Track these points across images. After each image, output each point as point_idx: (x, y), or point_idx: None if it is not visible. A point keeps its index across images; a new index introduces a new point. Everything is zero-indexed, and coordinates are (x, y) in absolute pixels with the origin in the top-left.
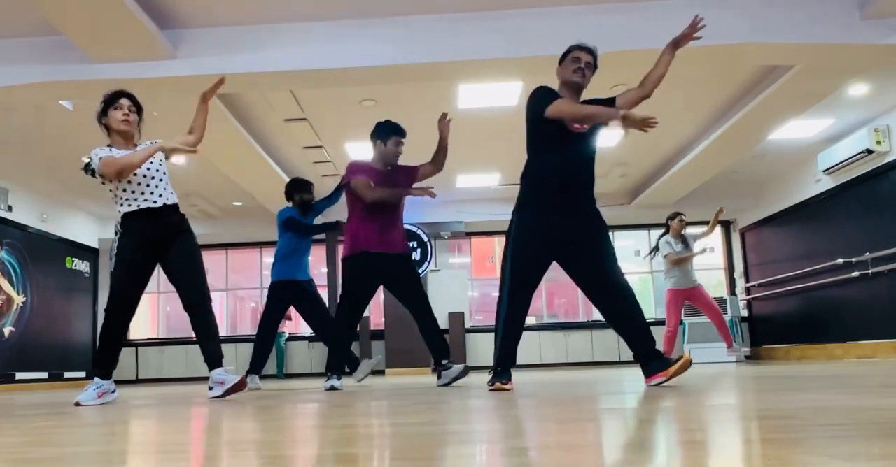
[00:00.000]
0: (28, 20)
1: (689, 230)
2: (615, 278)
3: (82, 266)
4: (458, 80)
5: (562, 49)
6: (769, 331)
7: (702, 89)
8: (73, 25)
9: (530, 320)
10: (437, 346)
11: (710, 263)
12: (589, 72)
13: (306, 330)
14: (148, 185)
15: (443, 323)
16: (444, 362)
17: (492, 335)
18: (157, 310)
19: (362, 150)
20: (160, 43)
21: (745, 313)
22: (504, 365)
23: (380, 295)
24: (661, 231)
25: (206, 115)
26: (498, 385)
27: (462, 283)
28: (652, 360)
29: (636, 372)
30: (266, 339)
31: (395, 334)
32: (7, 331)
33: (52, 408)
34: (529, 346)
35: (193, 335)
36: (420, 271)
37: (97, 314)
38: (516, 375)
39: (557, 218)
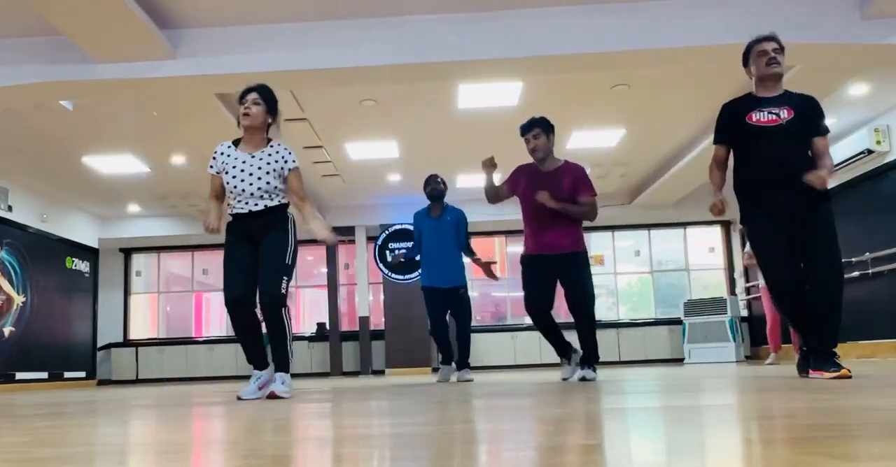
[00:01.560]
0: (28, 20)
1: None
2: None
3: (82, 266)
4: (458, 80)
5: (562, 49)
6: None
7: (702, 89)
8: (73, 25)
9: (530, 320)
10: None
11: (710, 263)
12: (781, 57)
13: (306, 330)
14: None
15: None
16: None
17: (491, 335)
18: (157, 310)
19: (362, 150)
20: (160, 43)
21: (745, 313)
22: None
23: (380, 294)
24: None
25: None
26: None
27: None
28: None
29: (636, 372)
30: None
31: (395, 334)
32: (7, 331)
33: (52, 408)
34: (529, 346)
35: (193, 335)
36: (419, 271)
37: (97, 314)
38: (516, 375)
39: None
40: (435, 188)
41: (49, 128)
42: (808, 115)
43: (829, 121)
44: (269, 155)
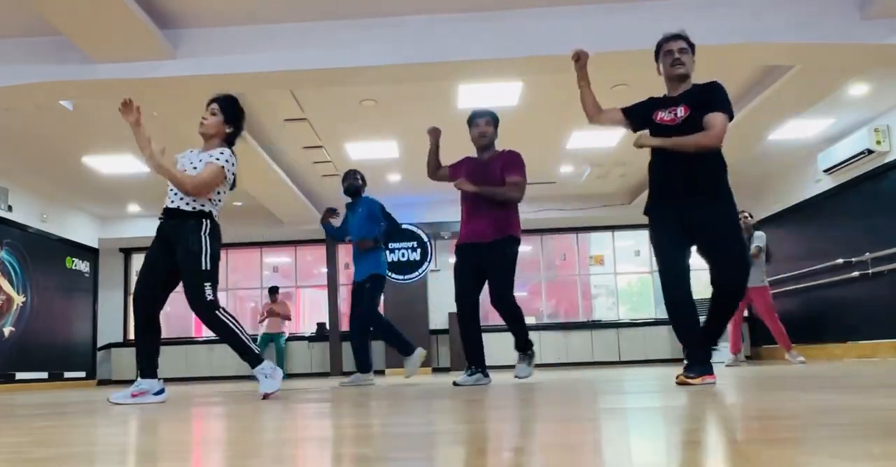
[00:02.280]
0: (28, 20)
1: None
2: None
3: (82, 266)
4: (458, 80)
5: (562, 49)
6: (769, 331)
7: None
8: (73, 25)
9: (530, 320)
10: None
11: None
12: (686, 57)
13: (307, 330)
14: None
15: (443, 323)
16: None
17: (491, 335)
18: None
19: (362, 150)
20: (160, 43)
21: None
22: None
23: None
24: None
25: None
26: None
27: None
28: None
29: (636, 372)
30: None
31: None
32: (7, 331)
33: (52, 408)
34: None
35: (193, 335)
36: (419, 271)
37: (97, 314)
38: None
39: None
40: (352, 183)
41: (49, 128)
42: (704, 101)
43: (828, 121)
44: (209, 155)
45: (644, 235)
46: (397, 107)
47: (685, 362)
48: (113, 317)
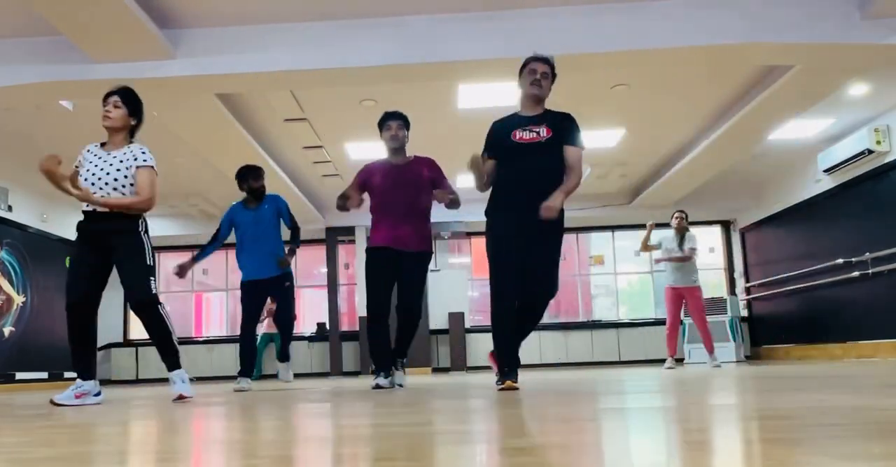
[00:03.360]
0: (28, 20)
1: (694, 231)
2: None
3: None
4: (458, 80)
5: (562, 49)
6: (769, 331)
7: (702, 89)
8: (73, 25)
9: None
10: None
11: (709, 263)
12: (546, 81)
13: (306, 330)
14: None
15: (443, 323)
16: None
17: (489, 335)
18: None
19: (362, 150)
20: (160, 43)
21: (745, 313)
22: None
23: None
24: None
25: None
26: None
27: (462, 283)
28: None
29: (636, 372)
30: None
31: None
32: (7, 331)
33: (52, 408)
34: (529, 346)
35: (193, 335)
36: None
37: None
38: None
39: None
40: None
41: (49, 129)
42: (562, 129)
43: (828, 121)
44: (124, 154)
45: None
46: (397, 107)
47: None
48: (113, 317)
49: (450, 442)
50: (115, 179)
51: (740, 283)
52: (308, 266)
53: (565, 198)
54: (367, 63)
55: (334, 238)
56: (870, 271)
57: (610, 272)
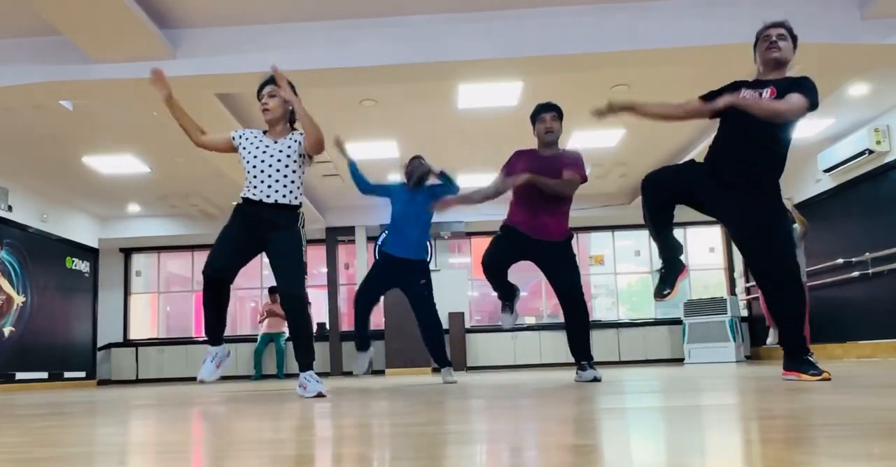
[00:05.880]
0: (28, 20)
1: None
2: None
3: (82, 266)
4: (458, 80)
5: (562, 49)
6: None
7: (702, 89)
8: (73, 25)
9: (530, 320)
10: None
11: (710, 263)
12: (784, 43)
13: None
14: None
15: (443, 323)
16: (582, 363)
17: (491, 335)
18: (157, 310)
19: (362, 150)
20: (160, 43)
21: (744, 313)
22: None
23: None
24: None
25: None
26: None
27: (462, 283)
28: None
29: (636, 372)
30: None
31: (395, 334)
32: (7, 330)
33: (52, 408)
34: (529, 346)
35: (193, 335)
36: None
37: (97, 314)
38: (516, 375)
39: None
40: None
41: (49, 128)
42: (790, 88)
43: (828, 121)
44: (289, 147)
45: (644, 235)
46: (397, 107)
47: None
48: (113, 317)
49: (450, 442)
50: (287, 166)
51: (740, 283)
52: (308, 266)
53: (755, 109)
54: (367, 63)
55: (334, 238)
56: (870, 271)
57: (610, 272)
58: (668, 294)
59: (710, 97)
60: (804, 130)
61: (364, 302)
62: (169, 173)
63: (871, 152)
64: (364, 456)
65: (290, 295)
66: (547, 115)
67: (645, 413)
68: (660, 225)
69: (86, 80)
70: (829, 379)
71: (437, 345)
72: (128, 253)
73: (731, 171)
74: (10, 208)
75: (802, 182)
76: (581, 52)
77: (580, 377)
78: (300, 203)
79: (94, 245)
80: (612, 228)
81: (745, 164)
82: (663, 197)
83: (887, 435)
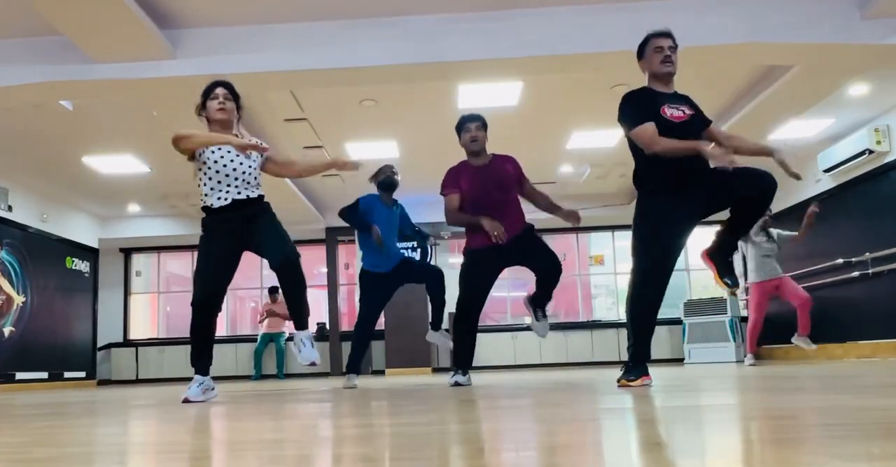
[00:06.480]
0: (28, 20)
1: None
2: None
3: (82, 266)
4: (458, 80)
5: (562, 49)
6: (769, 330)
7: (702, 89)
8: (73, 25)
9: (530, 320)
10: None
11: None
12: (675, 56)
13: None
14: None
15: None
16: (538, 311)
17: (491, 335)
18: (157, 310)
19: (362, 150)
20: (160, 43)
21: (744, 313)
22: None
23: None
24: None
25: (317, 171)
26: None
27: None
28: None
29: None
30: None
31: (395, 334)
32: (7, 330)
33: (52, 408)
34: (529, 346)
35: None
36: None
37: (97, 314)
38: (515, 375)
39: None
40: (389, 177)
41: (49, 128)
42: (698, 112)
43: (828, 121)
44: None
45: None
46: (397, 107)
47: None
48: (113, 317)
49: (450, 442)
50: (250, 167)
51: (740, 283)
52: (308, 266)
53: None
54: (367, 63)
55: (334, 238)
56: (870, 271)
57: (610, 272)
58: (633, 381)
59: (641, 118)
60: (804, 131)
61: (369, 324)
62: (169, 173)
63: (871, 152)
64: (364, 456)
65: (289, 256)
66: (472, 124)
67: (645, 413)
68: (648, 330)
69: (86, 80)
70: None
71: (440, 296)
72: (128, 253)
73: (684, 181)
74: (10, 208)
75: (802, 182)
76: (581, 52)
77: (538, 329)
78: (263, 194)
79: (94, 245)
80: (612, 228)
81: (694, 170)
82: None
83: (887, 435)
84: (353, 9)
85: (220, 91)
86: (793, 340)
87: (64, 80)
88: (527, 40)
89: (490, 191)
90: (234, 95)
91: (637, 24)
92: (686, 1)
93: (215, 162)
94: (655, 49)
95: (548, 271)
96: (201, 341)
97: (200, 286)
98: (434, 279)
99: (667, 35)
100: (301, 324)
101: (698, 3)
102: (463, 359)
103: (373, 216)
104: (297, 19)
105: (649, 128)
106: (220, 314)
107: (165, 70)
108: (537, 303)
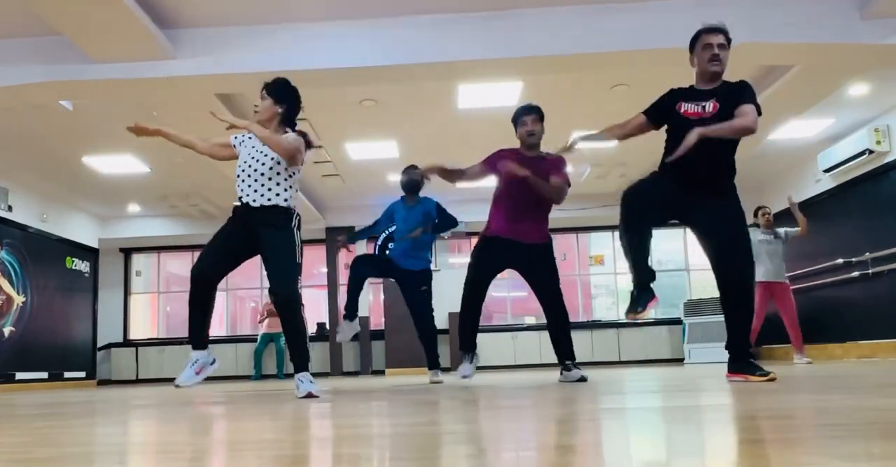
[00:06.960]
0: (28, 20)
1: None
2: None
3: (82, 266)
4: (458, 80)
5: (562, 49)
6: (769, 330)
7: None
8: (73, 25)
9: (531, 320)
10: (562, 348)
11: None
12: (725, 53)
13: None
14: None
15: (443, 323)
16: (567, 363)
17: (492, 335)
18: (157, 310)
19: (362, 150)
20: (160, 43)
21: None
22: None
23: (380, 294)
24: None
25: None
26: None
27: (462, 283)
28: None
29: (636, 372)
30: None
31: (395, 334)
32: (7, 330)
33: (52, 408)
34: (529, 346)
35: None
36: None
37: (97, 314)
38: (515, 375)
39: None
40: (413, 178)
41: (49, 128)
42: (733, 97)
43: (828, 121)
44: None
45: None
46: (397, 107)
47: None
48: (113, 317)
49: (450, 442)
50: (271, 169)
51: None
52: (308, 266)
53: (721, 133)
54: (367, 63)
55: (334, 238)
56: (870, 271)
57: (610, 272)
58: (641, 311)
59: (652, 111)
60: (804, 131)
61: (361, 272)
62: (169, 173)
63: (871, 152)
64: (363, 456)
65: (278, 294)
66: (528, 117)
67: (645, 413)
68: (636, 243)
69: (86, 80)
70: (774, 380)
71: (431, 346)
72: (128, 253)
73: (691, 181)
74: (10, 208)
75: (802, 182)
76: (581, 52)
77: (565, 377)
78: (291, 205)
79: (94, 245)
80: (612, 228)
81: (703, 174)
82: (647, 205)
83: (887, 435)
84: (353, 9)
85: (262, 92)
86: (796, 362)
87: (64, 80)
88: (527, 40)
89: (529, 187)
90: (273, 93)
91: (637, 24)
92: (686, 1)
93: (238, 157)
94: (704, 46)
95: (545, 296)
96: (199, 311)
97: (199, 260)
98: (423, 331)
99: (718, 31)
100: (299, 366)
101: (698, 3)
102: (464, 341)
103: (394, 217)
104: (297, 19)
105: (635, 117)
106: (215, 291)
107: (165, 70)
108: (560, 353)
